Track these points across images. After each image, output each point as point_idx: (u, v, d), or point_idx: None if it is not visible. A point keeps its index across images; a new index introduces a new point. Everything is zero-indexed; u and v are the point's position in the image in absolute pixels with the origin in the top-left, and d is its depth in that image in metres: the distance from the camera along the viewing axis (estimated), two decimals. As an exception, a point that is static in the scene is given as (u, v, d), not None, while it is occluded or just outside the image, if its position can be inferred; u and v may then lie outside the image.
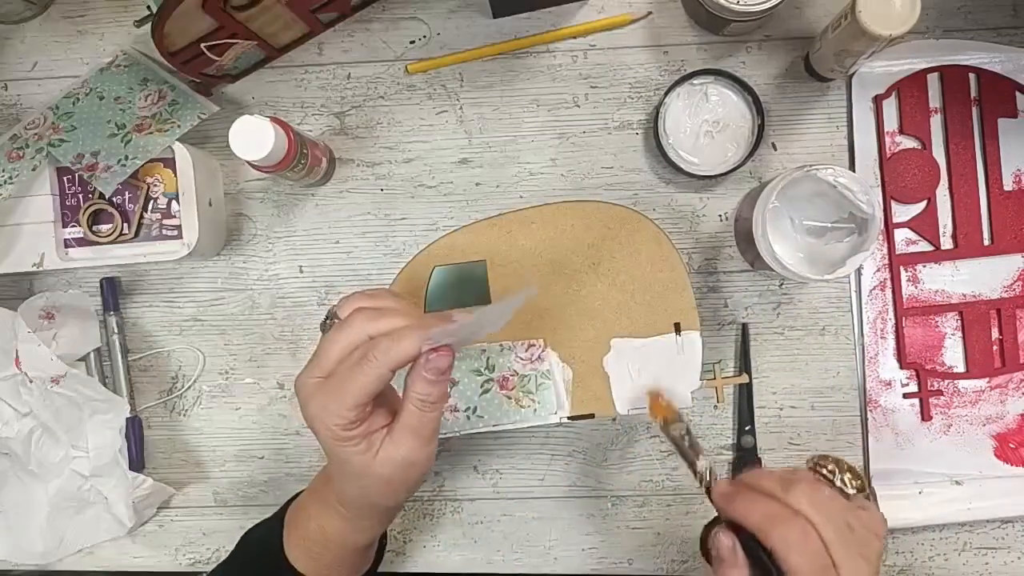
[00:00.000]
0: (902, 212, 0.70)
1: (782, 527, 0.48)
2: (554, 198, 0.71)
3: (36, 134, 0.69)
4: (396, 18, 0.72)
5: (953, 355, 0.70)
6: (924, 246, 0.70)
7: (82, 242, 0.70)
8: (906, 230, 0.70)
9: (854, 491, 0.52)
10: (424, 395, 0.49)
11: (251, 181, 0.73)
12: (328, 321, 0.52)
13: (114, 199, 0.70)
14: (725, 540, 0.50)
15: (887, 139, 0.70)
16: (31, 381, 0.70)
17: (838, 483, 0.52)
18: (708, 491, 0.53)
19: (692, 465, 0.54)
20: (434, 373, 0.48)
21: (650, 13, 0.71)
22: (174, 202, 0.70)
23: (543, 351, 0.67)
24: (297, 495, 0.61)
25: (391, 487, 0.51)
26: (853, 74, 0.70)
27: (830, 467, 0.53)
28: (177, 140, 0.67)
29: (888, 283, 0.70)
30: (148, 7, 0.59)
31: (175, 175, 0.68)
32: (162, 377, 0.74)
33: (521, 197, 0.72)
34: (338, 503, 0.54)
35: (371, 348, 0.48)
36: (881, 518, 0.52)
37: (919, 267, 0.70)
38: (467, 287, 0.68)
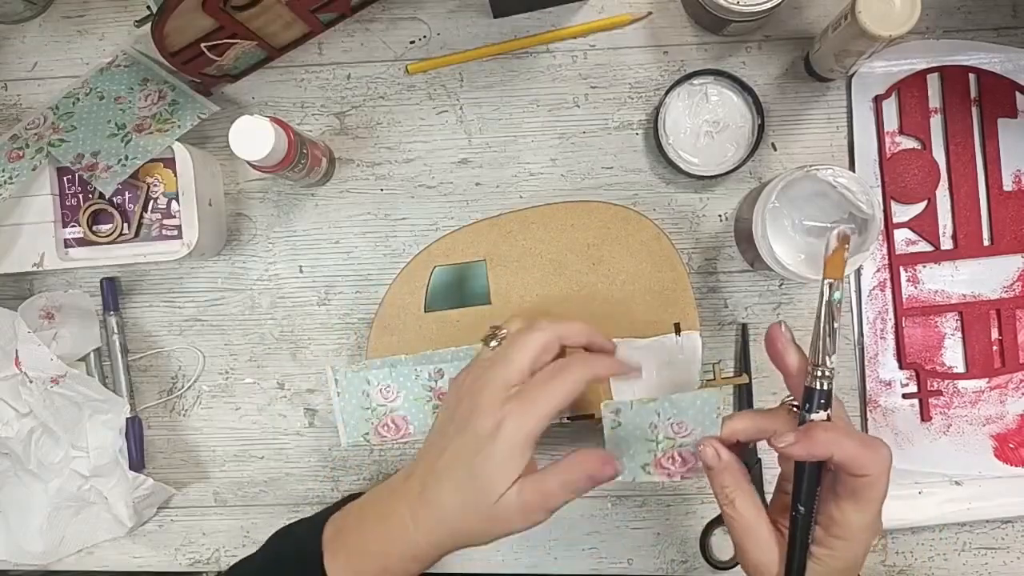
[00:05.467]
0: (902, 212, 0.70)
1: (880, 453, 0.49)
2: (554, 198, 0.71)
3: (36, 134, 0.69)
4: (396, 18, 0.72)
5: (953, 355, 0.70)
6: (924, 246, 0.70)
7: (82, 242, 0.70)
8: (906, 230, 0.70)
9: None
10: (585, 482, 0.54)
11: (251, 181, 0.73)
12: (491, 336, 0.57)
13: (114, 199, 0.70)
14: (707, 449, 0.53)
15: (887, 139, 0.70)
16: (31, 381, 0.70)
17: None
18: (809, 388, 0.50)
19: (824, 351, 0.50)
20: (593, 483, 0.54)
21: (650, 13, 0.71)
22: (174, 202, 0.70)
23: (543, 351, 0.67)
24: (330, 511, 0.58)
25: (500, 525, 0.53)
26: (853, 74, 0.70)
27: None
28: (177, 140, 0.67)
29: (888, 283, 0.70)
30: (148, 7, 0.59)
31: (175, 175, 0.68)
32: (162, 377, 0.74)
33: (521, 197, 0.72)
34: (427, 542, 0.53)
35: (569, 361, 0.53)
36: None
37: (919, 267, 0.70)
38: (467, 287, 0.68)
